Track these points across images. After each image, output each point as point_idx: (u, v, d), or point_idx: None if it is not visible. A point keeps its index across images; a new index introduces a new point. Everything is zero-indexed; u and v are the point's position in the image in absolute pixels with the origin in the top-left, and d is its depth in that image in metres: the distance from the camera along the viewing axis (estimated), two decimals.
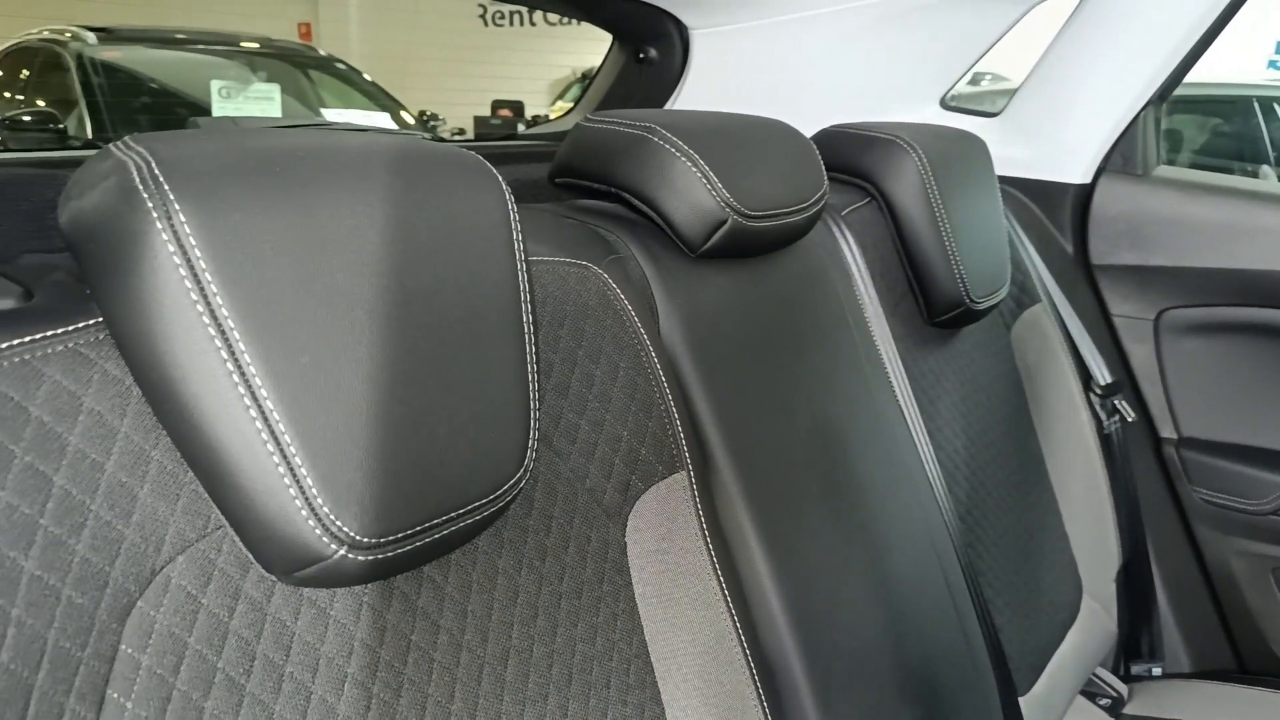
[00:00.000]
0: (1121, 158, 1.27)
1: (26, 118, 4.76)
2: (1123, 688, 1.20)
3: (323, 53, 5.89)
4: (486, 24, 10.16)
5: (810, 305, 0.84)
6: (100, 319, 0.42)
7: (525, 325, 0.52)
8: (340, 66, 5.56)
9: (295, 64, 5.33)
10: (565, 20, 9.74)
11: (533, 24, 9.99)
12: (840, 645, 0.71)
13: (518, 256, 0.52)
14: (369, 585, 0.49)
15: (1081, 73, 1.24)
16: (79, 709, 0.39)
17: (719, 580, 0.66)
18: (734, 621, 0.65)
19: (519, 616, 0.56)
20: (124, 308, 0.40)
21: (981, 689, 0.87)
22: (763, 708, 0.66)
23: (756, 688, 0.65)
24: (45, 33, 5.15)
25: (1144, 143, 1.27)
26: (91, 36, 4.92)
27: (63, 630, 0.39)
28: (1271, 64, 7.36)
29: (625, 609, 0.62)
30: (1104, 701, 1.17)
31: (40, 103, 4.86)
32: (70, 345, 0.41)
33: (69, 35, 4.95)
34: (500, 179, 0.53)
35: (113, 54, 4.81)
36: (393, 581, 0.50)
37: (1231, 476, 1.24)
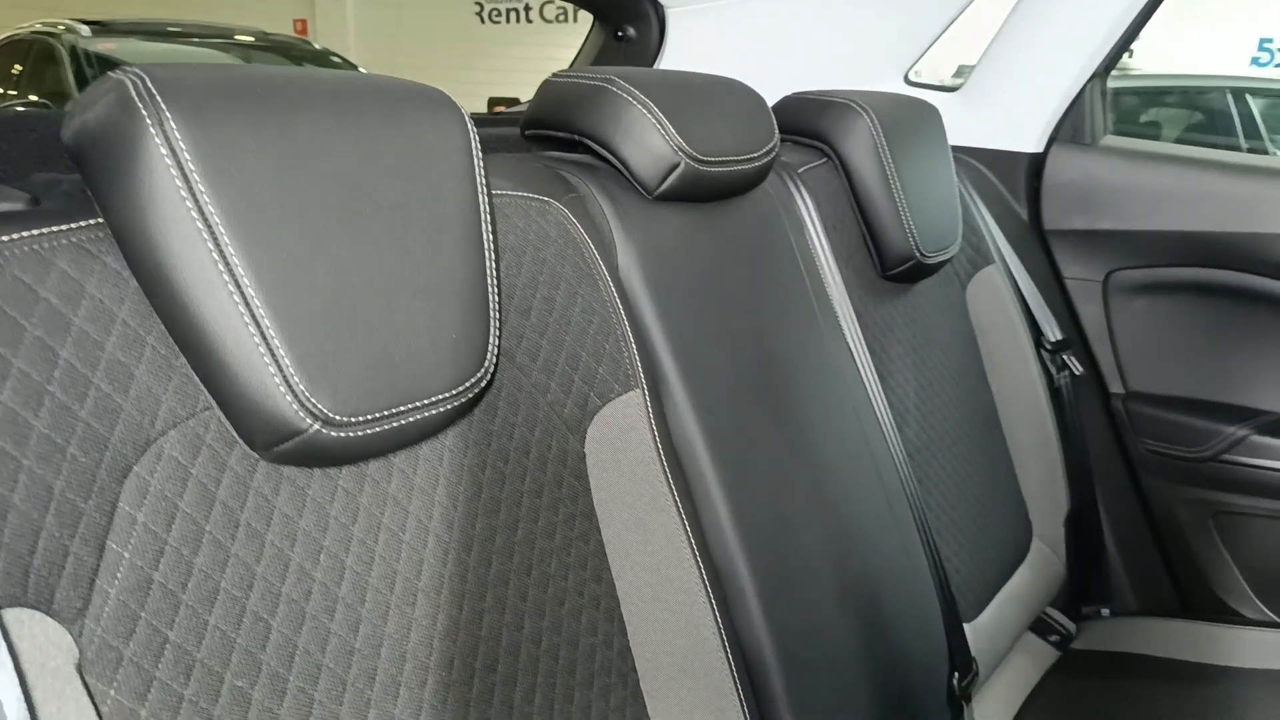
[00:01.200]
0: (1071, 128, 1.34)
1: (19, 109, 4.79)
2: (1071, 626, 1.27)
3: (318, 46, 5.93)
4: (483, 21, 10.22)
5: (762, 250, 0.90)
6: (101, 219, 0.48)
7: (485, 240, 0.59)
8: (336, 60, 5.60)
9: (291, 57, 5.37)
10: (561, 17, 9.80)
11: (529, 20, 10.05)
12: (784, 554, 0.78)
13: (478, 179, 0.59)
14: (343, 471, 0.56)
15: (1032, 48, 1.31)
16: (81, 553, 0.45)
17: (670, 488, 0.72)
18: (684, 526, 0.72)
19: (483, 509, 0.63)
20: (122, 206, 0.46)
21: (925, 609, 0.93)
22: (711, 607, 0.72)
23: (706, 588, 0.72)
24: (38, 25, 5.18)
25: (1091, 114, 1.34)
26: (85, 29, 4.95)
27: (68, 483, 0.45)
28: (1254, 60, 7.45)
29: (583, 511, 0.69)
30: (1053, 638, 1.24)
31: (33, 96, 4.90)
32: (75, 240, 0.47)
33: (62, 28, 4.98)
34: (462, 111, 0.59)
35: (107, 46, 4.85)
36: (365, 469, 0.57)
37: (1175, 427, 1.31)
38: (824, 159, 1.07)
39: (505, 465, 0.64)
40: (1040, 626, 1.25)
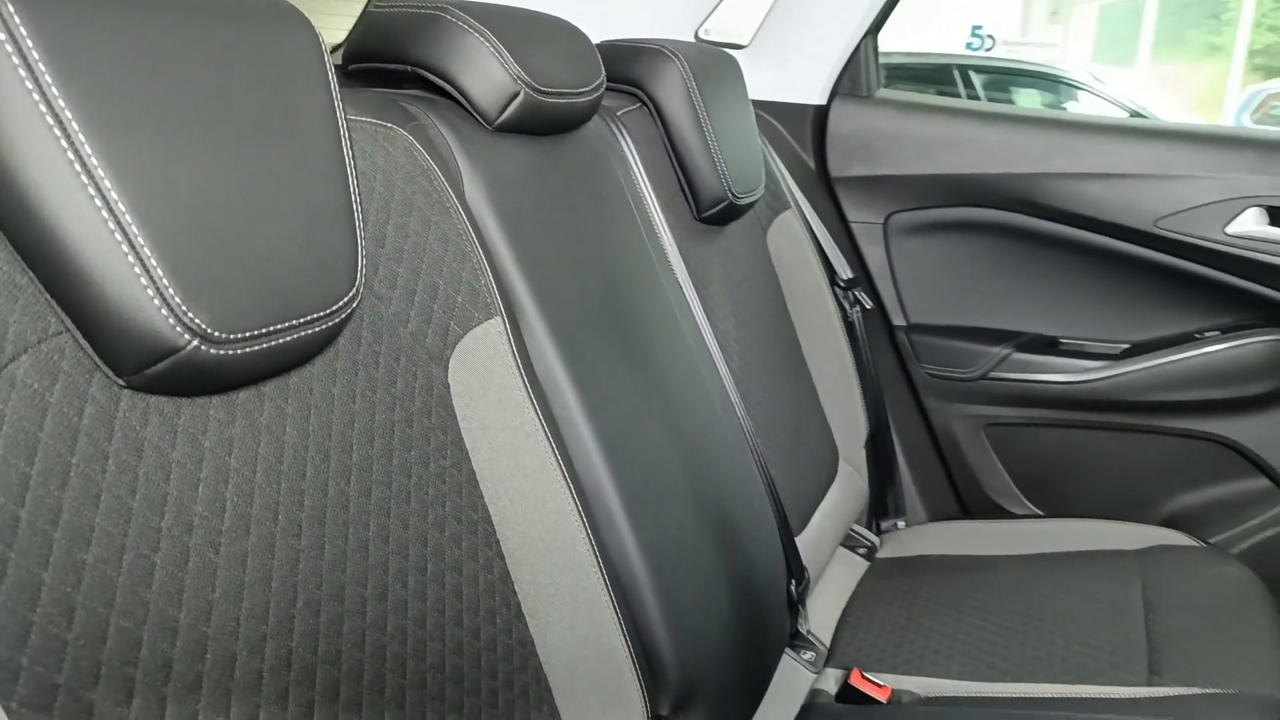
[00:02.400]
0: (850, 81, 1.46)
1: None
2: (875, 539, 1.39)
3: None
4: None
5: (598, 186, 0.92)
6: None
7: (346, 158, 0.56)
8: None
9: None
10: None
11: None
12: (645, 473, 0.81)
13: (334, 96, 0.56)
14: (213, 401, 0.52)
15: (812, 7, 1.41)
16: None
17: (537, 413, 0.72)
18: (552, 448, 0.73)
19: (357, 439, 0.60)
20: None
21: (765, 523, 1.00)
22: (584, 526, 0.73)
23: (578, 509, 0.73)
24: None
25: (866, 68, 1.46)
26: None
27: None
28: (969, 45, 8.37)
29: (453, 440, 0.68)
30: (862, 550, 1.36)
31: None
32: None
33: None
34: (310, 22, 0.56)
35: None
36: (235, 400, 0.53)
37: (950, 352, 1.47)
38: (638, 104, 1.10)
39: (374, 395, 0.62)
40: (850, 541, 1.37)
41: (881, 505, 1.45)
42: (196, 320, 0.45)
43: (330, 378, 0.60)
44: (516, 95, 0.77)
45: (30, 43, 0.41)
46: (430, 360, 0.67)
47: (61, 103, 0.41)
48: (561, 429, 0.75)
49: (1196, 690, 0.92)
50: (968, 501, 1.51)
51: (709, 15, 1.48)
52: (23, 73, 0.40)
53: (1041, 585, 1.16)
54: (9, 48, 0.40)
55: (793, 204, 1.37)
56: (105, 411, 0.46)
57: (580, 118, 0.88)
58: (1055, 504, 1.46)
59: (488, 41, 0.76)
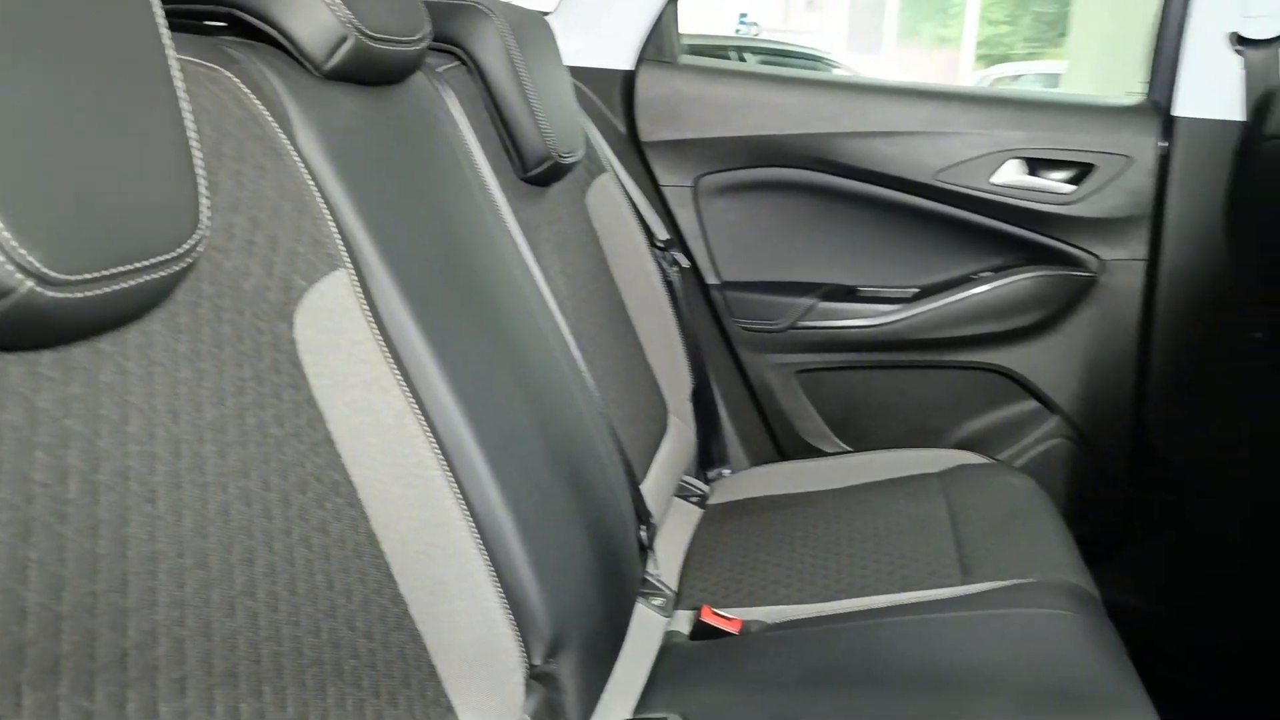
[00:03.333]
0: (655, 48, 1.49)
1: None
2: (705, 487, 1.45)
3: None
4: None
5: (428, 141, 0.89)
6: None
7: (180, 94, 0.52)
8: None
9: None
10: None
11: None
12: (501, 425, 0.80)
13: (161, 30, 0.52)
14: (45, 360, 0.47)
15: None
16: None
17: (391, 367, 0.70)
18: (409, 402, 0.70)
19: (206, 398, 0.56)
20: None
21: (614, 472, 1.01)
22: (447, 479, 0.72)
23: (440, 461, 0.72)
24: None
25: (670, 34, 1.50)
26: None
27: None
28: (737, 31, 8.80)
29: (305, 398, 0.65)
30: (694, 499, 1.41)
31: None
32: None
33: None
34: None
35: None
36: (69, 356, 0.48)
37: (760, 306, 1.55)
38: (458, 62, 1.07)
39: (220, 352, 0.58)
40: (681, 491, 1.42)
41: (707, 455, 1.51)
42: (30, 259, 0.41)
43: (173, 334, 0.55)
44: (345, 40, 0.74)
45: None
46: (275, 315, 0.64)
47: None
48: (416, 382, 0.73)
49: (1003, 583, 1.03)
50: (784, 444, 1.60)
51: None
52: None
53: (859, 512, 1.26)
54: None
55: (609, 167, 1.39)
56: None
57: (409, 68, 0.85)
58: (862, 439, 1.58)
59: None
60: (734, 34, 7.86)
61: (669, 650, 1.05)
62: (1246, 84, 1.30)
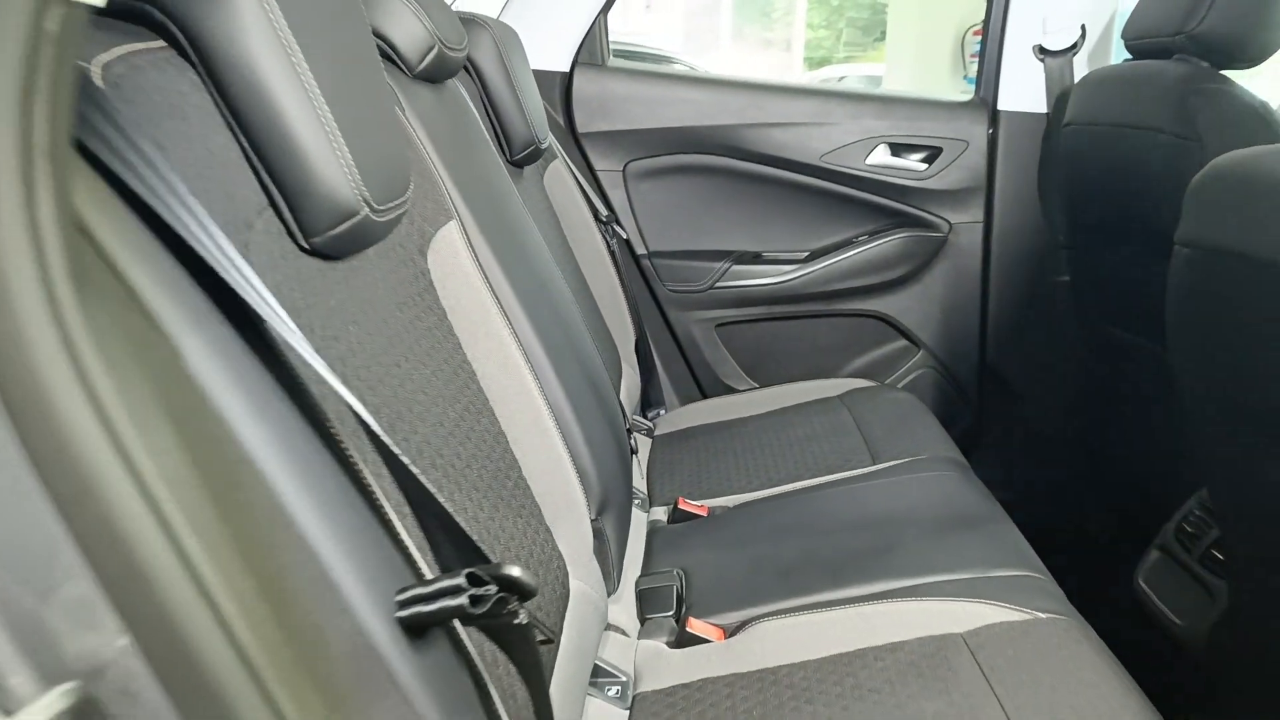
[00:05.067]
0: (588, 52, 1.75)
1: None
2: (649, 424, 1.73)
3: None
4: None
5: (473, 127, 1.13)
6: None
7: (387, 81, 0.76)
8: None
9: None
10: None
11: None
12: (553, 340, 1.05)
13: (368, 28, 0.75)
14: (340, 267, 0.69)
15: None
16: None
17: (490, 294, 0.94)
18: (504, 318, 0.94)
19: (400, 304, 0.79)
20: (218, 29, 0.56)
21: (612, 388, 1.28)
22: (531, 373, 0.96)
23: (526, 362, 0.96)
24: None
25: (600, 41, 1.77)
26: None
27: None
28: None
29: (439, 315, 0.88)
30: (643, 431, 1.68)
31: None
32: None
33: None
34: None
35: None
36: (350, 265, 0.71)
37: (684, 271, 1.84)
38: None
39: (400, 273, 0.81)
40: (636, 425, 1.69)
41: (646, 397, 1.79)
42: (368, 195, 0.64)
43: (380, 256, 0.78)
44: (433, 49, 0.97)
45: None
46: (417, 252, 0.87)
47: (285, 28, 0.58)
48: (504, 304, 0.97)
49: (904, 460, 1.36)
50: (706, 386, 1.91)
51: None
52: (267, 7, 0.57)
53: (783, 425, 1.57)
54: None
55: (559, 154, 1.65)
56: (305, 268, 0.63)
57: (457, 69, 1.09)
58: (769, 379, 1.90)
59: (410, 4, 0.95)
60: None
61: (656, 532, 1.32)
62: (1047, 85, 1.70)
